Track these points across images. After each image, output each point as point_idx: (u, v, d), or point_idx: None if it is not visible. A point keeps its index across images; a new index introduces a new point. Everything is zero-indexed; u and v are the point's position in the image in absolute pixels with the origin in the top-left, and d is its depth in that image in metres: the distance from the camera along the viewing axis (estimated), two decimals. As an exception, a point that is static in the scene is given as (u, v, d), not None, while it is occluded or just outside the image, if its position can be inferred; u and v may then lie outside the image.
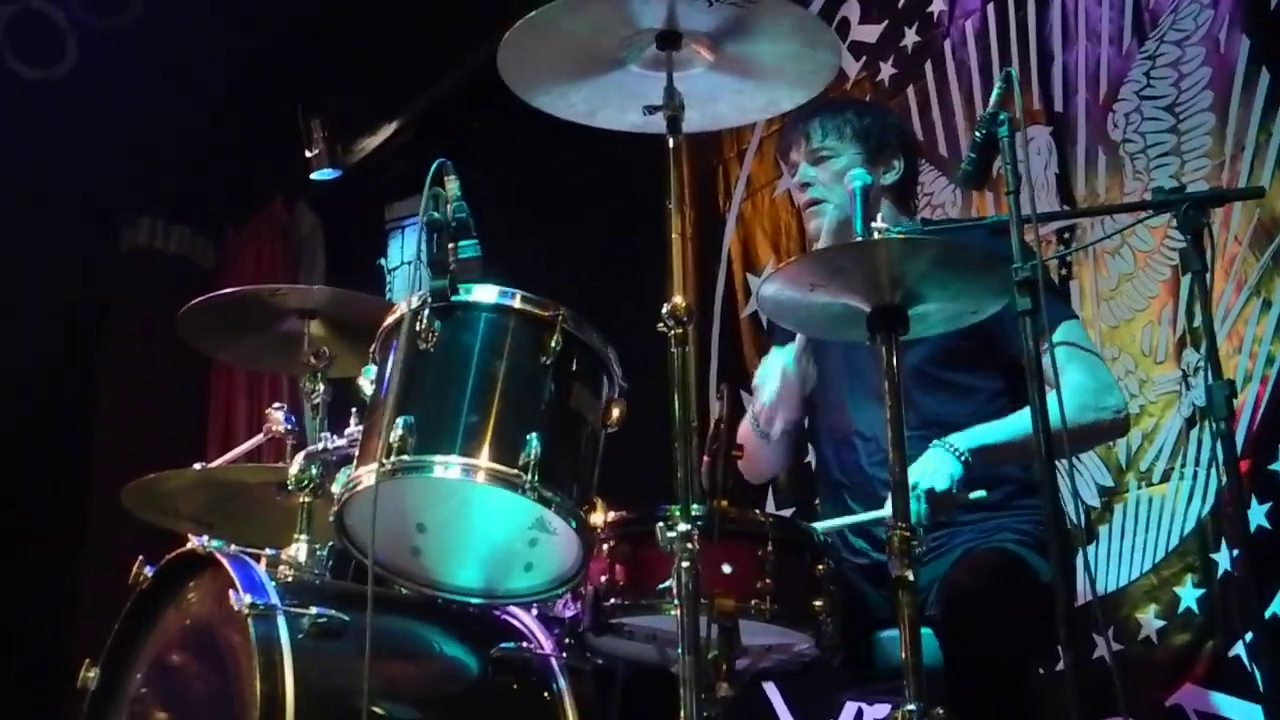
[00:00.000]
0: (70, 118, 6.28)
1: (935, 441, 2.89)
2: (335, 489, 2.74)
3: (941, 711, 2.41)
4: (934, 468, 2.83)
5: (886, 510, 2.67)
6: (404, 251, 6.64)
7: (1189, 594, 3.68)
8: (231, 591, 2.75)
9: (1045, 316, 2.52)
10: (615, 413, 2.69)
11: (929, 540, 2.64)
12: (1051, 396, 2.52)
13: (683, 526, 2.34)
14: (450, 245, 2.60)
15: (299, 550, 3.08)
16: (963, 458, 2.85)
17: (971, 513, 2.97)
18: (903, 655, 2.43)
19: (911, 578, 2.45)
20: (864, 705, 4.11)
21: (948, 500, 2.79)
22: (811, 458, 3.72)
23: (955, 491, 2.80)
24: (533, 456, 2.50)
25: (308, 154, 6.33)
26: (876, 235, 2.66)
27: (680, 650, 2.30)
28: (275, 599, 2.76)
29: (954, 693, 2.66)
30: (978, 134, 2.68)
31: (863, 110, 3.41)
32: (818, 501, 3.40)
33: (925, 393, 3.09)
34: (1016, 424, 2.89)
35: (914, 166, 3.37)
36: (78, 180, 6.45)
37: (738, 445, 2.62)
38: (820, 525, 2.95)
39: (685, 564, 2.33)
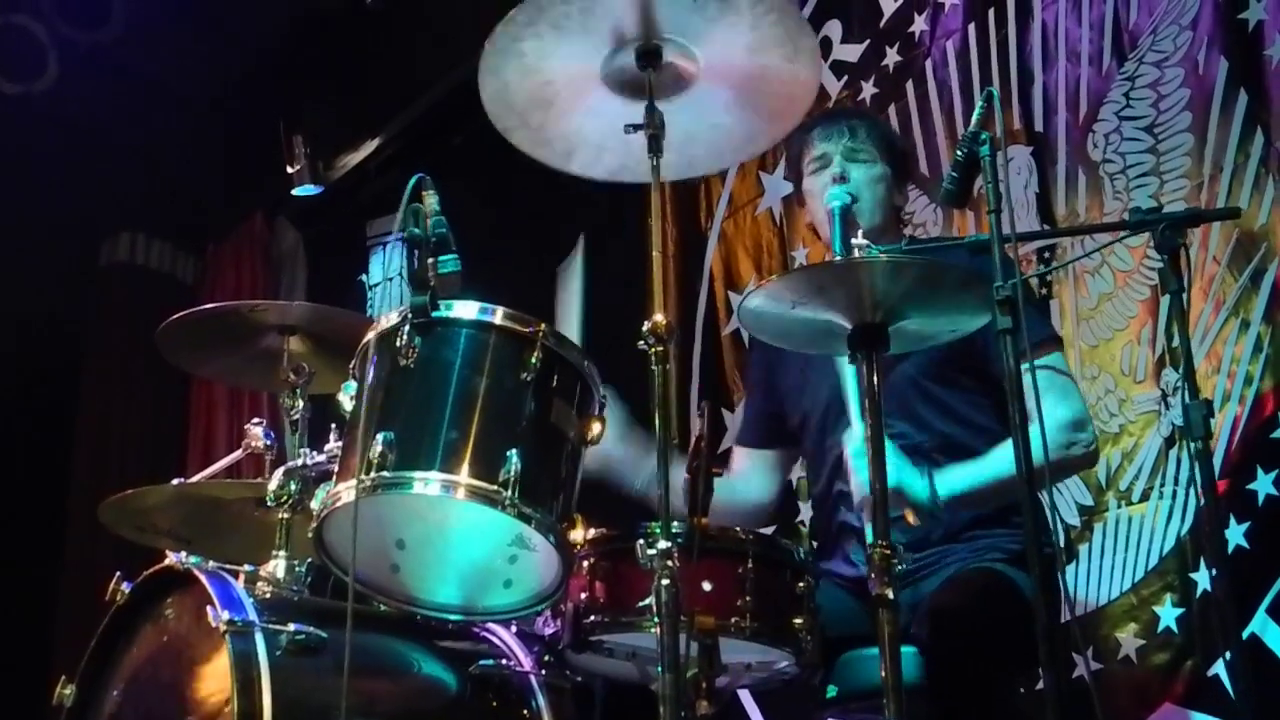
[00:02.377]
0: (51, 132, 6.28)
1: (931, 468, 2.89)
2: (314, 505, 2.73)
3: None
4: (918, 487, 2.86)
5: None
6: (385, 267, 6.62)
7: (1168, 613, 3.69)
8: (209, 608, 2.74)
9: (1027, 339, 2.52)
10: (596, 429, 2.68)
11: (911, 560, 2.64)
12: (1033, 429, 2.51)
13: (663, 544, 2.33)
14: (430, 260, 2.60)
15: (277, 566, 3.08)
16: (939, 503, 2.86)
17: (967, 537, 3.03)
18: (883, 674, 2.42)
19: (891, 596, 2.45)
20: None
21: (918, 510, 2.82)
22: (794, 476, 3.73)
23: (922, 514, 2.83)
24: (513, 473, 2.48)
25: (289, 170, 6.31)
26: (857, 254, 2.67)
27: (660, 668, 2.29)
28: (253, 615, 2.75)
29: (937, 711, 2.66)
30: (959, 153, 2.69)
31: (895, 135, 3.62)
32: (800, 520, 3.39)
33: (920, 404, 3.10)
34: (992, 466, 2.92)
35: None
36: (58, 194, 6.44)
37: (718, 462, 2.62)
38: None
39: (665, 581, 2.32)
